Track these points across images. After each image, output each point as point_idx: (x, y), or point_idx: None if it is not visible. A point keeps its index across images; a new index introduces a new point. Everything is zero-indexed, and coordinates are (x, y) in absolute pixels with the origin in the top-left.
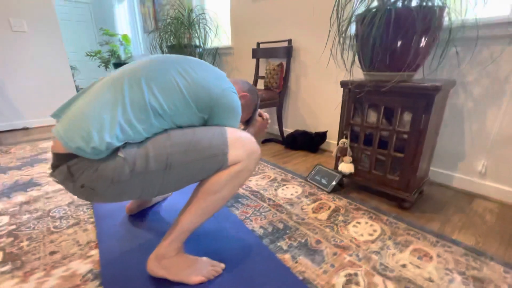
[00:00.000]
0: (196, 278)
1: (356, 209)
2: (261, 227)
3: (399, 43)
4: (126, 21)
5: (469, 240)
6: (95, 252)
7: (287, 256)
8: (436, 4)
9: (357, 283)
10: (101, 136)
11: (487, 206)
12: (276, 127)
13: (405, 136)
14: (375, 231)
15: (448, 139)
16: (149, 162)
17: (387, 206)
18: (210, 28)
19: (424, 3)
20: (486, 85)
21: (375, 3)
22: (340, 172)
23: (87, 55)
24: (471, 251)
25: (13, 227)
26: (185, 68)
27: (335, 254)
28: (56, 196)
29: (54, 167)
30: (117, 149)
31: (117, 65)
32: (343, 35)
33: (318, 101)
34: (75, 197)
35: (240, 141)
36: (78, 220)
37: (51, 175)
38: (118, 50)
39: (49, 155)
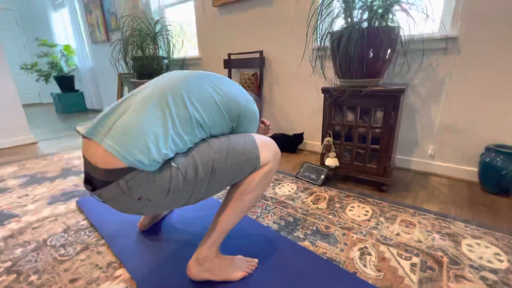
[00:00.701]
0: (238, 274)
1: (347, 196)
2: (274, 222)
3: (371, 55)
4: (67, 30)
5: (434, 207)
6: (122, 272)
7: (306, 243)
8: (394, 24)
9: (369, 254)
10: (158, 148)
11: (439, 181)
12: None
13: (378, 130)
14: (367, 212)
15: (405, 131)
16: (198, 170)
17: (369, 191)
18: (176, 40)
19: (384, 23)
20: (429, 86)
21: (340, 20)
22: (326, 167)
23: (22, 68)
24: (439, 216)
25: (9, 264)
26: (216, 83)
27: (344, 234)
28: (44, 225)
29: (102, 184)
30: (168, 160)
31: (60, 78)
32: (322, 50)
33: (291, 106)
34: (69, 223)
35: (266, 144)
36: (86, 245)
37: (97, 193)
38: (60, 62)
39: (11, 183)
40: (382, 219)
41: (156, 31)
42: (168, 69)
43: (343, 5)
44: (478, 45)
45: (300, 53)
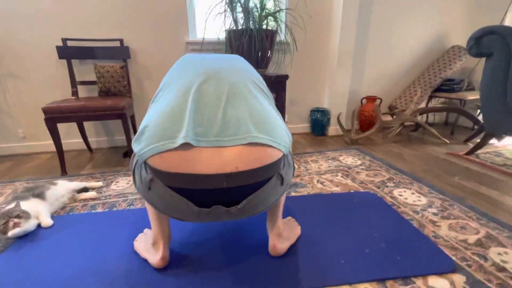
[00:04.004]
0: (299, 228)
1: None
2: None
3: (267, 51)
4: None
5: (311, 150)
6: None
7: (293, 194)
8: (274, 28)
9: (324, 181)
10: (287, 131)
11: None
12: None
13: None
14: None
15: None
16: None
17: None
18: None
19: (265, 27)
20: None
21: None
22: None
23: None
24: (319, 152)
25: None
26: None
27: (301, 180)
28: None
29: (247, 190)
30: None
31: None
32: (226, 44)
33: None
34: None
35: None
36: None
37: (243, 203)
38: None
39: None
40: (304, 164)
41: None
42: None
43: (228, 9)
44: (303, 48)
45: (171, 45)
